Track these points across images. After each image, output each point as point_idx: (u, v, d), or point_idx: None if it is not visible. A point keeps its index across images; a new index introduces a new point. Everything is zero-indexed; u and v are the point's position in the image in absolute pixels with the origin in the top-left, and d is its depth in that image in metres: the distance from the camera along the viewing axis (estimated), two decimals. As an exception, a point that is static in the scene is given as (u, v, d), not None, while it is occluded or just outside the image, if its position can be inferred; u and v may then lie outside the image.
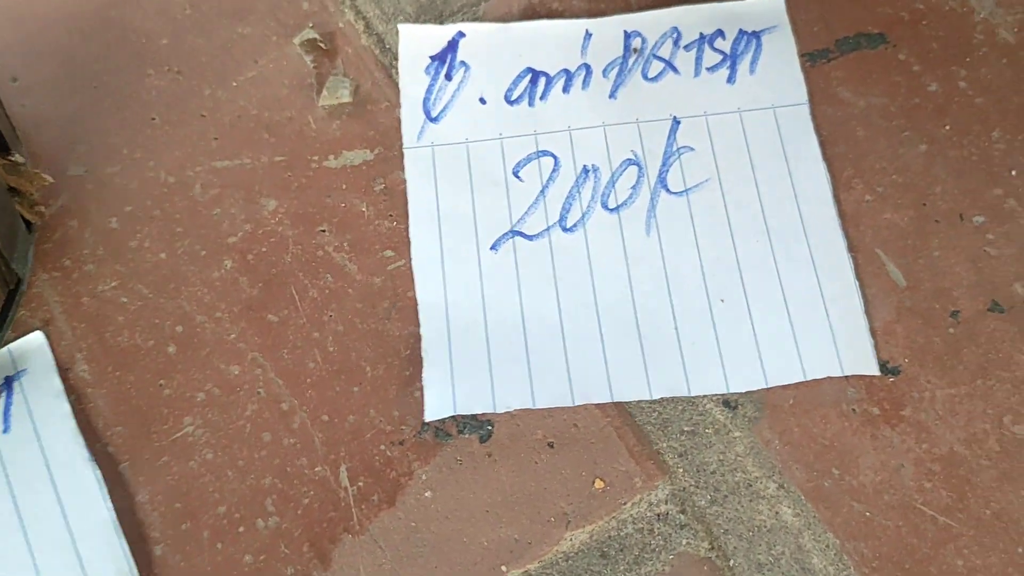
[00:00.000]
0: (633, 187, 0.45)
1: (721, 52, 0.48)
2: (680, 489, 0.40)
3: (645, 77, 0.47)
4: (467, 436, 0.41)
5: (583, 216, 0.45)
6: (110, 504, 0.40)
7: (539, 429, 0.41)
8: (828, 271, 0.43)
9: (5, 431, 0.41)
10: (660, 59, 0.48)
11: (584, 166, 0.46)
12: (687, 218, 0.44)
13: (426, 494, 0.40)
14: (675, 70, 0.47)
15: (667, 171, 0.45)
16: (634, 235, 0.44)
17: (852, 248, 0.43)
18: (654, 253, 0.44)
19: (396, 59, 0.49)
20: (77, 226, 0.46)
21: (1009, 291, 0.42)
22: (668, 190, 0.45)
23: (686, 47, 0.48)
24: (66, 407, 0.42)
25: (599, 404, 0.41)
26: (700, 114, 0.46)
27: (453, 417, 0.41)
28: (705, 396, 0.41)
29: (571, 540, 0.39)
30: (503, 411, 0.41)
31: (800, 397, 0.41)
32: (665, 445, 0.41)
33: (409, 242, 0.45)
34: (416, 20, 0.50)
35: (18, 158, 0.44)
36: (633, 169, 0.45)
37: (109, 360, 0.43)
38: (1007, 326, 0.42)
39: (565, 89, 0.47)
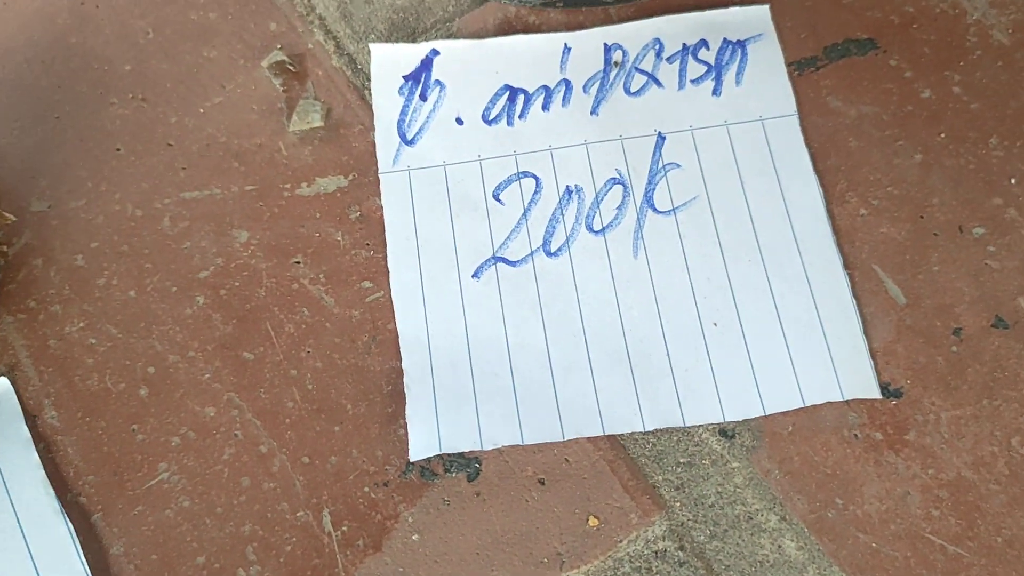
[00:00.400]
0: (619, 207, 0.43)
1: (705, 63, 0.46)
2: (678, 524, 0.38)
3: (627, 91, 0.46)
4: (454, 475, 0.40)
5: (567, 239, 0.43)
6: (83, 558, 0.39)
7: (529, 465, 0.39)
8: (824, 290, 0.41)
9: (-30, 486, 0.40)
10: (642, 72, 0.46)
11: (567, 187, 0.44)
12: (676, 238, 0.43)
13: (413, 537, 0.39)
14: (658, 83, 0.46)
15: (653, 190, 0.44)
16: (621, 258, 0.42)
17: (848, 265, 0.42)
18: (642, 276, 0.42)
19: (369, 80, 0.47)
20: (42, 264, 0.44)
21: (1013, 305, 0.41)
22: (655, 209, 0.43)
23: (669, 59, 0.46)
24: (35, 457, 0.40)
25: (591, 437, 0.40)
26: (686, 128, 0.45)
27: (439, 455, 0.40)
28: (701, 426, 0.40)
29: (566, 582, 0.38)
30: (491, 448, 0.39)
31: (799, 424, 0.39)
32: (661, 478, 0.39)
33: (387, 272, 0.43)
34: (388, 38, 0.48)
35: (-25, 198, 0.42)
36: (618, 189, 0.44)
37: (79, 405, 0.41)
38: (1012, 343, 0.40)
39: (544, 106, 0.46)
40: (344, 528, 0.39)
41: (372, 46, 0.47)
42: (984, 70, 0.45)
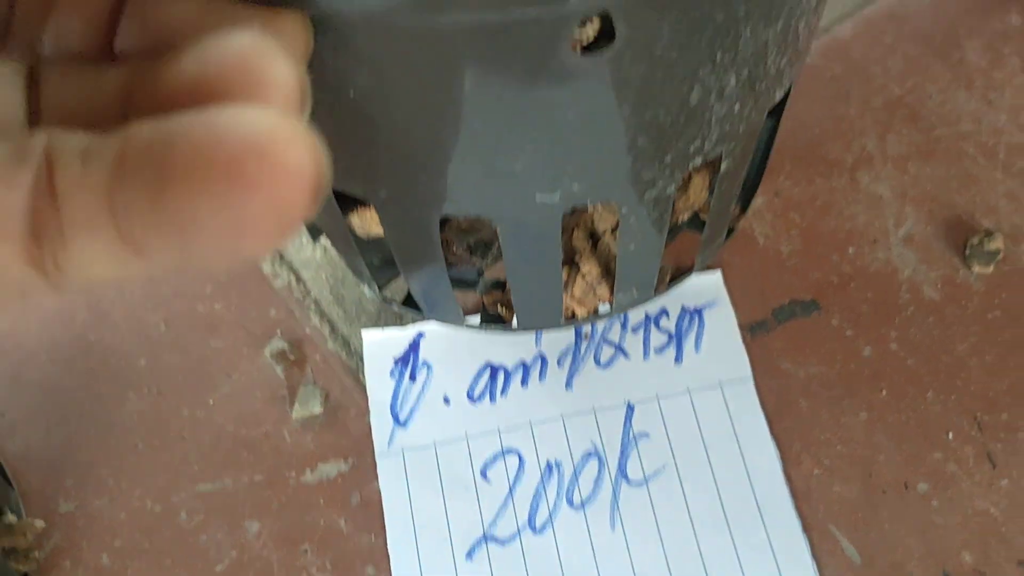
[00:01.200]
0: (595, 480, 0.48)
1: (667, 332, 0.51)
2: None
3: (597, 363, 0.50)
4: None
5: (550, 515, 0.47)
6: None
7: None
8: (786, 555, 0.45)
9: None
10: (610, 343, 0.51)
11: (548, 462, 0.48)
12: (649, 509, 0.47)
13: None
14: (625, 354, 0.50)
15: (626, 461, 0.48)
16: (600, 531, 0.46)
17: (806, 527, 0.46)
18: (620, 548, 0.46)
19: (362, 360, 0.52)
20: (70, 567, 0.48)
21: (958, 561, 0.44)
22: (628, 481, 0.47)
23: (633, 329, 0.51)
24: None
25: None
26: (652, 397, 0.49)
27: None
28: None
29: None
30: None
31: None
32: None
33: (388, 556, 0.47)
34: (377, 318, 0.53)
35: (11, 518, 0.46)
36: (594, 462, 0.48)
37: None
38: (959, 597, 0.44)
39: (523, 382, 0.50)
40: None
41: (364, 332, 0.52)
42: (917, 326, 0.50)
